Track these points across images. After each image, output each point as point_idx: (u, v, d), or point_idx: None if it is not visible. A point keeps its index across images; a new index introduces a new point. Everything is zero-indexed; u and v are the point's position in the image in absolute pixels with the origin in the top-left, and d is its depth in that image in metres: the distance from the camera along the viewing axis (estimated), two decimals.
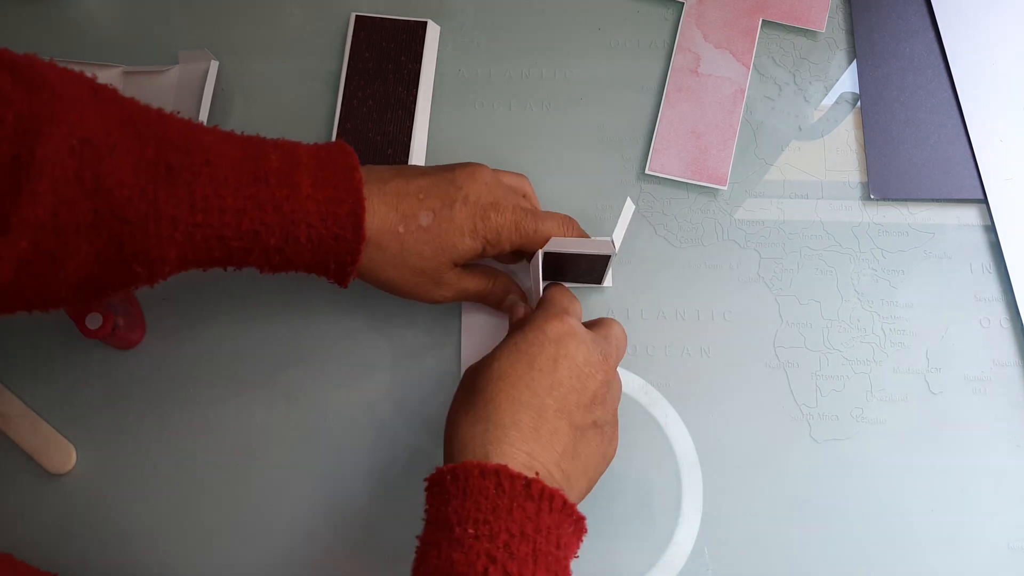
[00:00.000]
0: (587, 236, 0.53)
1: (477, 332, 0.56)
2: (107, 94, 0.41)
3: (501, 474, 0.40)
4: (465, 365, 0.56)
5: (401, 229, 0.47)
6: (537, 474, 0.42)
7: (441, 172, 0.49)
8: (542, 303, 0.50)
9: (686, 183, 0.58)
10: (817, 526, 0.54)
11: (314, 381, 0.56)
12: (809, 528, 0.54)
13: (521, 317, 0.52)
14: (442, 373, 0.56)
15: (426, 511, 0.42)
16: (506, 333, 0.53)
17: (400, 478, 0.55)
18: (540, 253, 0.50)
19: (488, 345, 0.56)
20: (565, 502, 0.41)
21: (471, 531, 0.39)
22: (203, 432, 0.56)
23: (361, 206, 0.44)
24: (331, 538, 0.55)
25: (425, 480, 0.43)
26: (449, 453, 0.44)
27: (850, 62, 0.60)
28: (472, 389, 0.45)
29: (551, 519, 0.40)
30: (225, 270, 0.45)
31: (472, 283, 0.52)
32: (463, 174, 0.49)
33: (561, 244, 0.50)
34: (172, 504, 0.55)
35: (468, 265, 0.52)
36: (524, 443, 0.43)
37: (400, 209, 0.47)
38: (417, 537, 0.42)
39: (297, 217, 0.43)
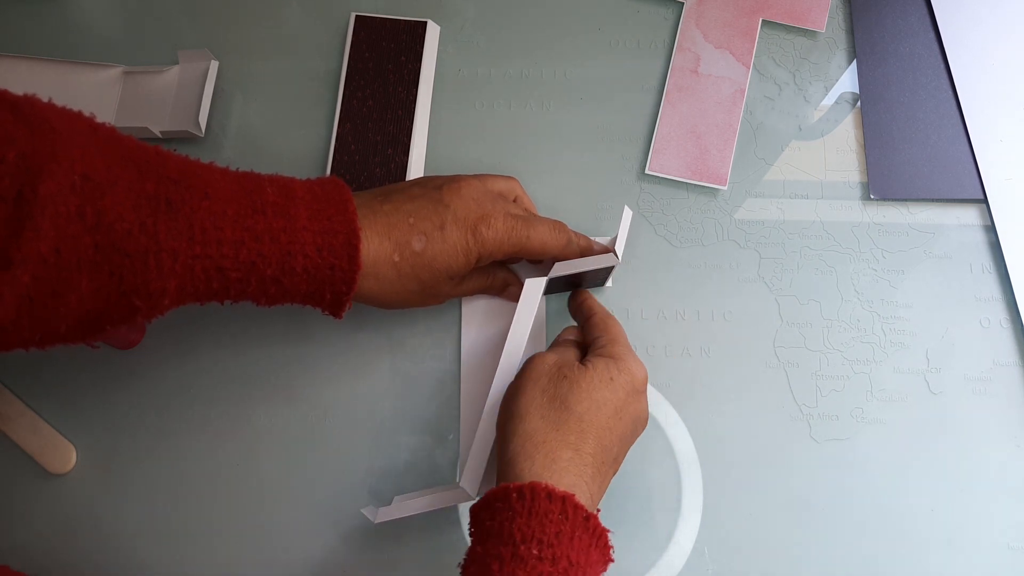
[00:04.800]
0: (577, 236, 0.53)
1: (477, 324, 0.56)
2: (106, 132, 0.42)
3: (567, 502, 0.42)
4: (465, 359, 0.56)
5: (397, 258, 0.47)
6: (598, 511, 0.44)
7: (428, 192, 0.49)
8: (618, 339, 0.49)
9: (686, 183, 0.58)
10: (817, 526, 0.54)
11: (314, 381, 0.57)
12: (809, 528, 0.54)
13: (573, 339, 0.52)
14: (442, 373, 0.56)
15: (484, 522, 0.43)
16: (509, 322, 0.52)
17: (400, 478, 0.55)
18: (545, 280, 0.50)
19: (488, 337, 0.56)
20: (608, 542, 0.44)
21: (535, 551, 0.40)
22: (203, 432, 0.56)
23: (356, 236, 0.45)
24: (331, 538, 0.55)
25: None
26: (518, 452, 0.44)
27: (850, 62, 0.60)
28: (564, 405, 0.45)
29: (596, 555, 0.43)
30: (222, 304, 0.45)
31: (470, 285, 0.53)
32: (449, 191, 0.49)
33: (566, 267, 0.51)
34: (172, 504, 0.55)
35: None
36: (592, 483, 0.45)
37: (393, 237, 0.47)
38: (472, 539, 0.43)
39: (294, 248, 0.44)
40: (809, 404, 0.56)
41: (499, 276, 0.54)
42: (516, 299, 0.50)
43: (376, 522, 0.50)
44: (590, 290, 0.57)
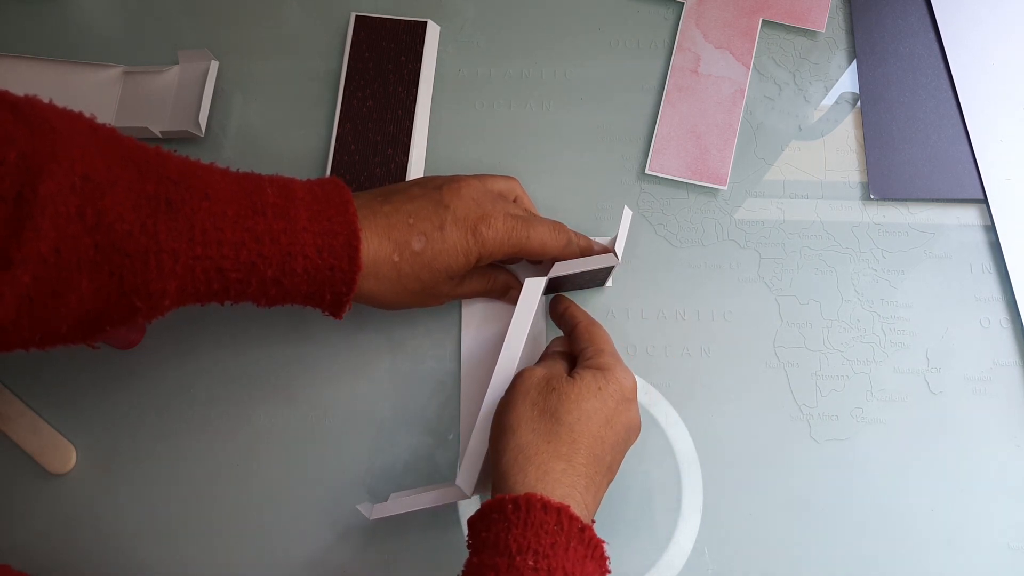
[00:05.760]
0: (577, 236, 0.53)
1: (476, 324, 0.56)
2: (106, 132, 0.42)
3: (562, 513, 0.42)
4: (466, 360, 0.56)
5: (396, 258, 0.47)
6: (593, 523, 0.45)
7: (428, 192, 0.49)
8: (604, 349, 0.50)
9: (686, 183, 0.58)
10: (817, 526, 0.54)
11: (314, 381, 0.57)
12: (809, 528, 0.54)
13: (560, 351, 0.52)
14: (442, 373, 0.56)
15: (480, 534, 0.43)
16: (509, 322, 0.52)
17: (400, 478, 0.55)
18: (544, 280, 0.50)
19: (488, 337, 0.56)
20: (604, 553, 0.43)
21: (530, 562, 0.40)
22: (203, 432, 0.56)
23: (356, 237, 0.45)
24: (331, 538, 0.55)
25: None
26: (511, 466, 0.45)
27: (850, 62, 0.60)
28: (554, 417, 0.45)
29: (592, 566, 0.43)
30: (223, 304, 0.45)
31: (470, 287, 0.53)
32: (449, 191, 0.49)
33: (566, 267, 0.51)
34: (172, 504, 0.55)
35: None
36: (586, 493, 0.45)
37: (392, 237, 0.47)
38: (470, 550, 0.43)
39: (294, 249, 0.44)
40: (809, 404, 0.56)
41: (500, 279, 0.54)
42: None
43: (371, 519, 0.50)
44: (587, 291, 0.57)
